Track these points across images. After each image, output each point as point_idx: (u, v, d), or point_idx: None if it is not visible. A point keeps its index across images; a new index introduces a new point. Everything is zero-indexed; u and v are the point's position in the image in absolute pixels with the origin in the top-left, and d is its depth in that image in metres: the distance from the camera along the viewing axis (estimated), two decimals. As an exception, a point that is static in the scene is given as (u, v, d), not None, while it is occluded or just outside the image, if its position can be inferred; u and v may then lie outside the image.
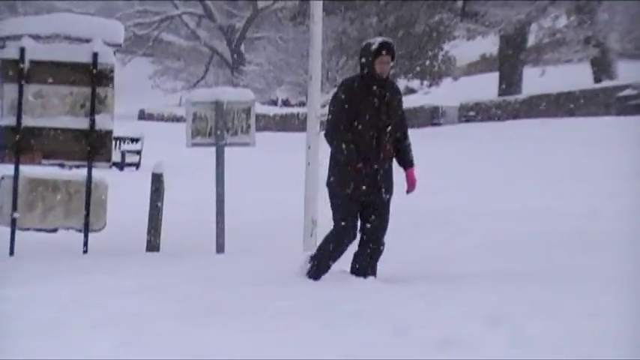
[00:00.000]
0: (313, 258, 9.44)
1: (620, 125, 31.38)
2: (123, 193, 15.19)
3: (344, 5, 44.96)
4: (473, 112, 40.91)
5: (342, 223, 9.27)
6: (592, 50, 39.07)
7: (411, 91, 47.75)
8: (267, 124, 46.50)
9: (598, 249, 11.34)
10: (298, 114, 46.53)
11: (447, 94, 45.42)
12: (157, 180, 12.02)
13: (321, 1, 11.53)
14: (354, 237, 9.37)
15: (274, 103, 54.70)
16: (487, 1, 41.56)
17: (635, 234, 12.91)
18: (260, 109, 44.22)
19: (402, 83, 47.52)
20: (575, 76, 38.96)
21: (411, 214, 13.51)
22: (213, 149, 11.96)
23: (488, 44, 47.75)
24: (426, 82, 47.94)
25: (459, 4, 45.17)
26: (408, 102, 45.62)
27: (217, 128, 11.78)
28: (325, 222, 11.17)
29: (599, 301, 7.97)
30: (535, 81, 39.79)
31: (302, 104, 48.31)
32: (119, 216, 12.84)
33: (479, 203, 16.29)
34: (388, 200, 9.38)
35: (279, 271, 9.68)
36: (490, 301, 8.05)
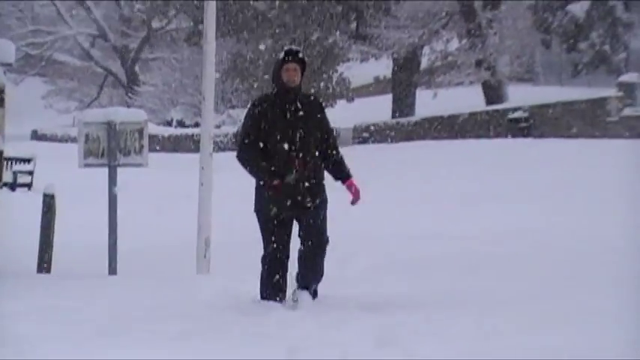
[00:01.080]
0: (260, 283, 9.19)
1: (509, 147, 31.85)
2: (14, 214, 14.94)
3: (238, 27, 44.96)
4: (367, 134, 41.18)
5: (271, 246, 8.99)
6: (483, 73, 39.62)
7: (305, 112, 47.87)
8: (162, 144, 46.23)
9: (484, 270, 11.46)
10: (193, 135, 46.34)
11: (342, 115, 45.61)
12: (49, 201, 11.84)
13: (214, 22, 11.48)
14: (285, 257, 9.04)
15: (169, 123, 54.37)
16: (380, 24, 41.90)
17: (519, 255, 13.13)
18: (154, 129, 44.00)
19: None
20: (467, 99, 39.42)
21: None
22: (106, 170, 11.82)
23: (382, 67, 48.16)
24: (320, 104, 48.08)
25: (353, 26, 45.53)
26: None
27: (110, 149, 11.64)
28: (218, 243, 11.13)
29: (486, 321, 8.04)
30: (428, 103, 40.22)
31: (197, 125, 48.11)
32: (10, 236, 12.62)
33: (368, 227, 16.34)
34: (318, 215, 8.96)
35: (170, 293, 9.57)
36: (381, 323, 8.05)
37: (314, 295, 9.10)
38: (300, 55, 8.82)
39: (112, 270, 11.58)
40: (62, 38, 64.48)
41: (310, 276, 9.06)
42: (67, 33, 63.82)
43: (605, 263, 11.99)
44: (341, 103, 47.64)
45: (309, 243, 8.96)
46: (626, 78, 36.93)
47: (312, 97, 9.22)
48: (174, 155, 39.63)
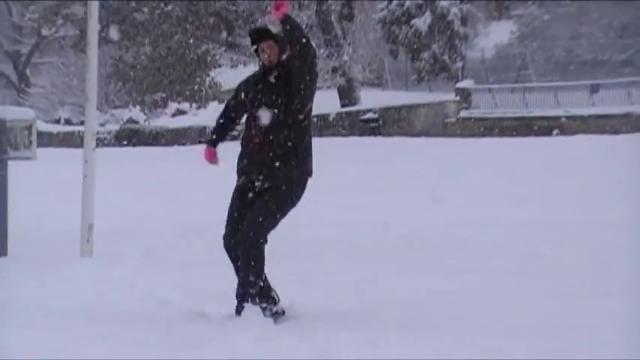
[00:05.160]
0: None
1: (361, 144, 32.15)
2: None
3: (120, 35, 44.50)
4: (236, 132, 41.06)
5: (225, 229, 7.42)
6: (338, 79, 39.90)
7: (181, 112, 47.54)
8: (51, 140, 45.34)
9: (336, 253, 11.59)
10: (79, 132, 45.59)
11: (213, 115, 45.44)
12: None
13: (97, 31, 11.36)
14: (229, 235, 7.34)
15: (57, 122, 53.40)
16: (247, 34, 41.84)
17: (381, 240, 13.30)
18: (43, 127, 43.13)
19: (173, 106, 47.31)
20: (324, 101, 39.64)
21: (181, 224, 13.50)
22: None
23: (250, 72, 47.97)
24: (194, 105, 47.81)
25: (224, 35, 45.40)
26: (179, 122, 45.59)
27: (1, 144, 11.42)
28: (99, 229, 11.01)
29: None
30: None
31: (83, 123, 47.37)
32: None
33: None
34: (262, 199, 7.21)
35: (57, 275, 9.45)
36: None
37: (253, 302, 7.17)
38: (269, 28, 7.29)
39: (3, 251, 11.34)
40: (-43, 44, 62.85)
41: (238, 284, 7.26)
42: (-39, 38, 62.27)
43: (422, 248, 12.24)
44: (213, 104, 47.47)
45: (242, 230, 7.20)
46: (462, 84, 37.63)
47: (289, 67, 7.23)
48: (61, 150, 38.87)
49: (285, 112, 7.16)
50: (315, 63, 7.24)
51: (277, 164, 7.16)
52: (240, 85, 7.62)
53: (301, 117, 7.20)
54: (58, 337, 6.62)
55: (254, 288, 7.13)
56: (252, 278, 7.11)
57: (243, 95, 7.49)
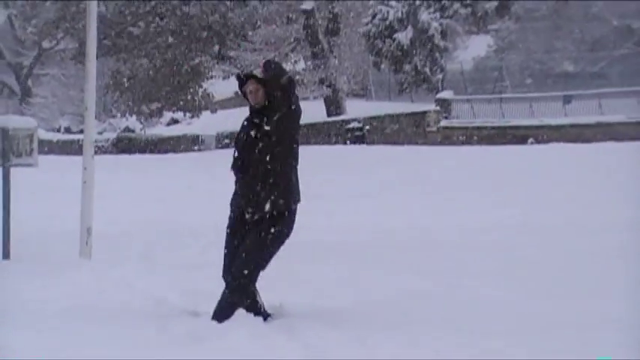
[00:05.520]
0: None
1: (347, 152, 32.13)
2: None
3: (117, 48, 44.48)
4: (227, 140, 41.02)
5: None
6: (325, 90, 39.90)
7: (175, 121, 47.50)
8: (51, 148, 45.22)
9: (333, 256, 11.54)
10: (78, 140, 45.49)
11: (206, 124, 45.43)
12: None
13: (95, 44, 11.29)
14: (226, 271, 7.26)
15: (58, 130, 53.29)
16: (239, 48, 41.86)
17: (369, 243, 13.24)
18: (44, 135, 43.04)
19: (167, 115, 47.26)
20: (312, 111, 39.66)
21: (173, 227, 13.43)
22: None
23: (240, 83, 48.02)
24: (188, 114, 47.79)
25: (216, 48, 45.42)
26: (173, 131, 45.53)
27: (4, 151, 11.35)
28: (97, 231, 10.94)
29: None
30: (279, 114, 40.21)
31: (82, 132, 47.31)
32: None
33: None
34: (254, 233, 7.12)
35: (57, 276, 9.38)
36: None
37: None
38: (254, 73, 7.21)
39: (6, 254, 11.26)
40: (-38, 56, 62.63)
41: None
42: (-34, 51, 62.04)
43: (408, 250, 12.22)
44: (206, 114, 47.47)
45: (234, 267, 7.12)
46: (442, 95, 37.66)
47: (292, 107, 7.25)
48: (61, 157, 38.76)
49: (265, 148, 7.12)
50: (296, 96, 7.25)
51: (262, 195, 7.10)
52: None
53: (279, 149, 7.15)
54: (58, 336, 6.57)
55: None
56: (230, 300, 7.07)
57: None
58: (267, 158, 7.11)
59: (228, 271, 7.13)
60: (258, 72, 7.20)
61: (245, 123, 7.36)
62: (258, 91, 7.17)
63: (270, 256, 7.14)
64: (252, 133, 7.17)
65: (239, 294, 7.05)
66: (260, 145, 7.12)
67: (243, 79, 7.24)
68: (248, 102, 7.26)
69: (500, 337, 6.57)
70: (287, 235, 7.21)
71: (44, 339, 6.45)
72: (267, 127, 7.10)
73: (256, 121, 7.19)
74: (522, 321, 7.26)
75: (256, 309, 7.18)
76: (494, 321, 7.26)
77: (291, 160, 7.26)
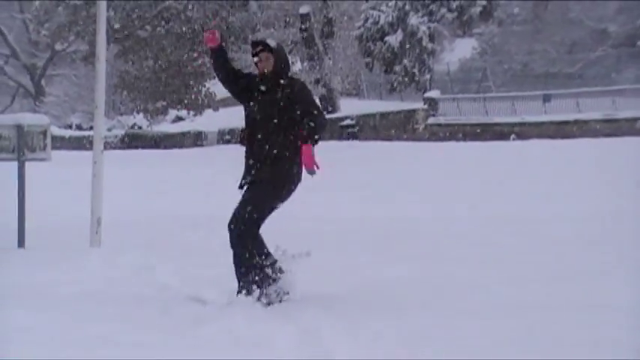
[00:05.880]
0: None
1: (341, 147, 32.12)
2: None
3: (125, 50, 44.45)
4: (228, 136, 41.03)
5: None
6: (320, 89, 39.88)
7: (180, 119, 47.44)
8: (63, 144, 45.17)
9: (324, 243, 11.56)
10: (89, 136, 45.41)
11: (209, 121, 45.37)
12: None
13: (105, 46, 11.31)
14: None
15: (69, 127, 53.23)
16: (240, 50, 41.84)
17: (360, 232, 13.24)
18: (57, 131, 43.02)
19: (173, 113, 47.20)
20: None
21: (178, 217, 13.44)
22: (15, 163, 11.54)
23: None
24: (192, 112, 47.75)
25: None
26: (178, 128, 45.49)
27: (19, 146, 11.38)
28: (107, 221, 10.95)
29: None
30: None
31: (92, 128, 47.21)
32: None
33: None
34: (251, 191, 7.19)
35: (69, 263, 9.41)
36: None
37: (247, 292, 7.13)
38: (268, 43, 7.35)
39: (21, 242, 11.29)
40: (-21, 57, 62.55)
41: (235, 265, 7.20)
42: (-15, 53, 61.99)
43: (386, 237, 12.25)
44: (208, 111, 47.42)
45: (232, 217, 7.22)
46: (430, 94, 37.67)
47: (292, 81, 7.38)
48: (73, 152, 38.74)
49: (266, 120, 7.20)
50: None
51: (267, 162, 7.14)
52: (250, 74, 7.57)
53: (285, 130, 7.18)
54: (68, 315, 6.61)
55: (256, 271, 7.09)
56: (254, 261, 7.10)
57: (245, 83, 7.48)
58: (276, 132, 7.16)
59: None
60: (270, 41, 7.38)
61: (256, 86, 7.34)
62: (269, 60, 7.28)
63: (271, 208, 7.17)
64: (264, 103, 7.23)
65: (241, 240, 7.08)
66: (280, 114, 7.18)
67: (256, 48, 7.33)
68: (257, 68, 7.34)
69: (469, 316, 6.63)
70: (281, 200, 7.22)
71: (56, 318, 6.50)
72: (289, 98, 7.18)
73: (262, 88, 7.27)
74: (491, 302, 7.31)
75: (269, 274, 7.14)
76: (467, 302, 7.32)
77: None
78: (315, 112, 7.18)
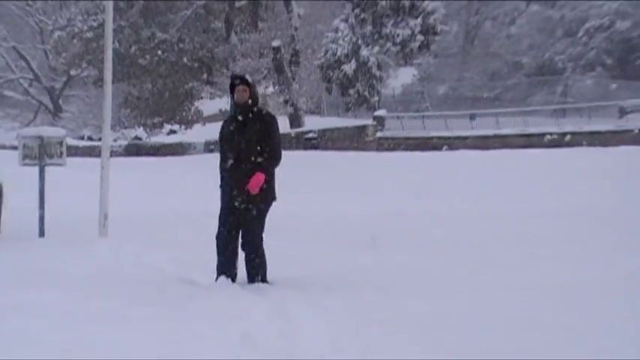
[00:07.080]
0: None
1: (305, 157, 32.10)
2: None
3: (128, 75, 44.34)
4: (212, 147, 40.85)
5: (219, 229, 7.25)
6: (289, 108, 39.83)
7: (173, 132, 47.19)
8: (77, 152, 44.66)
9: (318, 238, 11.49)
10: (98, 146, 44.93)
11: (197, 134, 45.14)
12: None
13: (111, 71, 11.24)
14: (227, 242, 7.21)
15: (82, 138, 52.67)
16: (223, 75, 41.77)
17: (323, 226, 13.18)
18: (72, 142, 42.54)
19: (167, 127, 46.94)
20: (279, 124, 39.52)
21: (169, 215, 13.32)
22: (37, 168, 11.43)
23: (224, 103, 47.86)
24: (183, 126, 47.52)
25: (205, 75, 45.37)
26: (172, 139, 45.20)
27: (40, 154, 11.27)
28: (113, 217, 10.84)
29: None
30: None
31: (101, 139, 46.74)
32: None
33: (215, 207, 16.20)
34: (247, 215, 7.12)
35: (81, 250, 9.30)
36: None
37: (261, 281, 7.23)
38: (246, 78, 7.26)
39: (41, 232, 11.17)
40: (9, 81, 61.72)
41: (249, 269, 7.26)
42: (12, 77, 61.19)
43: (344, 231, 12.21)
44: (197, 126, 47.24)
45: (243, 242, 7.23)
46: (378, 113, 37.73)
47: (263, 112, 7.26)
48: (85, 159, 38.37)
49: (249, 147, 7.09)
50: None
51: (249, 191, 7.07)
52: (220, 135, 7.39)
53: (264, 156, 7.11)
54: (81, 294, 6.56)
55: (264, 275, 7.25)
56: (260, 272, 7.22)
57: (221, 137, 7.35)
58: (255, 156, 7.07)
59: (224, 235, 7.15)
60: (247, 77, 7.31)
61: (229, 123, 7.23)
62: (246, 92, 7.17)
63: (262, 230, 7.24)
64: (241, 132, 7.09)
65: (262, 254, 7.21)
66: (256, 140, 7.09)
67: (236, 80, 7.24)
68: (232, 99, 7.24)
69: (410, 295, 6.65)
70: (267, 211, 7.23)
71: (69, 295, 6.45)
72: (261, 127, 7.08)
73: (240, 118, 7.13)
74: (430, 284, 7.33)
75: (235, 276, 7.25)
76: (411, 285, 7.33)
77: (275, 157, 7.20)
78: (277, 153, 7.16)
